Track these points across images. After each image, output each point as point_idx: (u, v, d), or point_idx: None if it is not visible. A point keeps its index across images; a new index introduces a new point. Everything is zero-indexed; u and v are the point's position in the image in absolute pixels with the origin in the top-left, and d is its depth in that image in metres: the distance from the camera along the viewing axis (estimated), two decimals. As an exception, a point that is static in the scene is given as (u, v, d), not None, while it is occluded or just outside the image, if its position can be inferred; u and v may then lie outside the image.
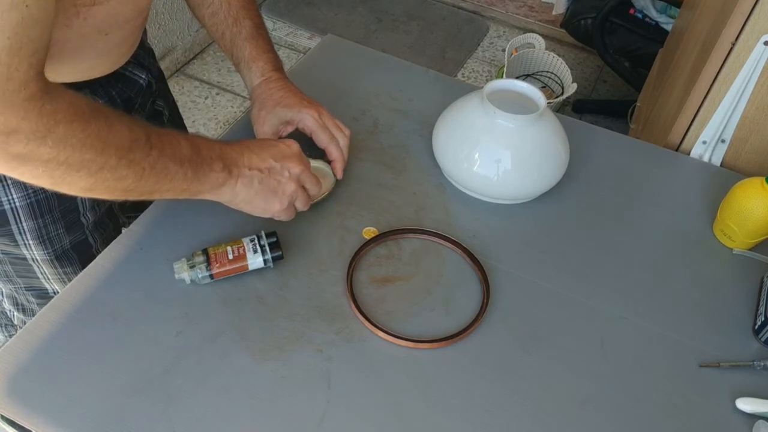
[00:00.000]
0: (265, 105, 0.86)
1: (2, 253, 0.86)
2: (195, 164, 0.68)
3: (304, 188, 0.79)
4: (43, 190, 0.79)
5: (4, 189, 0.77)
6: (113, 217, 0.93)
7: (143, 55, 0.91)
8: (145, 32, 0.95)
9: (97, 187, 0.62)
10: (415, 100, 1.08)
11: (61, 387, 0.68)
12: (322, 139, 0.87)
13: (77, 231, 0.87)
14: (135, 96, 0.88)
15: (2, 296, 1.00)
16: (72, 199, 0.83)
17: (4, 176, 0.76)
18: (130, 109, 0.87)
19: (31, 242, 0.84)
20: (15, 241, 0.83)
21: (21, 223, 0.81)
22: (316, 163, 0.90)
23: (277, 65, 0.89)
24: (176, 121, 1.07)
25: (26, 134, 0.54)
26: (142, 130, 0.63)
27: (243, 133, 0.95)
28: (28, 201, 0.79)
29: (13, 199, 0.78)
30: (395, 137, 1.01)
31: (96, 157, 0.59)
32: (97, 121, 0.59)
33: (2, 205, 0.78)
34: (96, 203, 0.87)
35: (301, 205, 0.80)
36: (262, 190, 0.75)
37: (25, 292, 0.95)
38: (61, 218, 0.84)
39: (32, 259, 0.87)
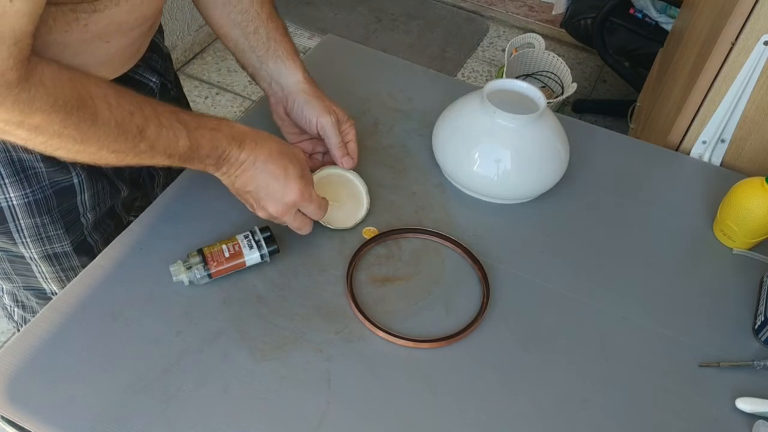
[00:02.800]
0: (320, 98, 0.87)
1: (1, 251, 0.86)
2: (185, 159, 0.70)
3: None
4: (41, 191, 0.79)
5: (1, 188, 0.76)
6: (115, 216, 0.92)
7: (156, 59, 0.90)
8: (162, 36, 0.94)
9: (78, 160, 0.64)
10: (415, 100, 1.08)
11: (61, 387, 0.68)
12: (339, 149, 0.89)
13: (77, 231, 0.87)
14: None
15: (2, 292, 1.00)
16: (72, 200, 0.83)
17: (1, 175, 0.75)
18: None
19: (29, 240, 0.83)
20: (13, 239, 0.82)
21: (18, 221, 0.80)
22: (359, 182, 0.89)
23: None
24: None
25: (1, 119, 0.55)
26: (135, 124, 0.63)
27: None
28: (26, 200, 0.79)
29: (10, 197, 0.77)
30: (395, 137, 1.01)
31: (74, 145, 0.60)
32: (81, 114, 0.59)
33: None
34: (96, 203, 0.86)
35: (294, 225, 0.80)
36: (237, 195, 0.78)
37: (24, 291, 0.95)
38: (61, 218, 0.83)
39: (30, 257, 0.86)
